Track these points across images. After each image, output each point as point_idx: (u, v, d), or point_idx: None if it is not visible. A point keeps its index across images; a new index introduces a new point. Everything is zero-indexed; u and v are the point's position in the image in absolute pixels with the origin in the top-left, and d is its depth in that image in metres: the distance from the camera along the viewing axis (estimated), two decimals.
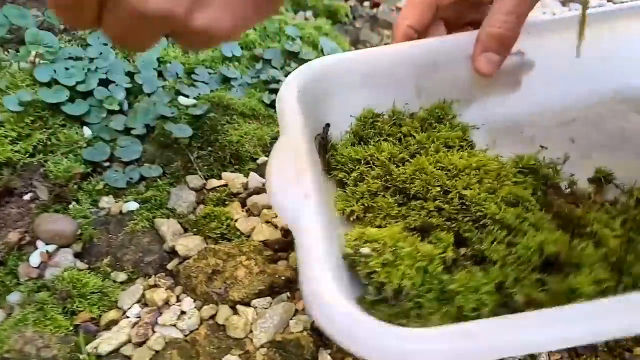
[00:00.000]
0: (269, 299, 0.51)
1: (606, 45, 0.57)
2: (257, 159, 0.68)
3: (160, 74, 0.77)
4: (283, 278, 0.51)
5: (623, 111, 0.57)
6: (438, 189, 0.45)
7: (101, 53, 0.74)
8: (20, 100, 0.64)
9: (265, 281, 0.51)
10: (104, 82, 0.71)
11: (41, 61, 0.69)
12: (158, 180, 0.64)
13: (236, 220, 0.58)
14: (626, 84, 0.57)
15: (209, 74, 0.78)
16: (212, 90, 0.75)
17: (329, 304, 0.30)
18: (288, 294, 0.51)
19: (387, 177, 0.48)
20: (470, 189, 0.45)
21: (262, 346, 0.47)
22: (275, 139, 0.71)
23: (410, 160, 0.49)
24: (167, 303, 0.51)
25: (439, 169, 0.47)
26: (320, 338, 0.47)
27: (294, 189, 0.37)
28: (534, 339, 0.29)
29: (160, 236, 0.57)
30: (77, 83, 0.68)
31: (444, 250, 0.41)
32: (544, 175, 0.47)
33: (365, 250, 0.41)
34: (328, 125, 0.51)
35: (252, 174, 0.65)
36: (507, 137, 0.54)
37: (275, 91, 0.77)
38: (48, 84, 0.68)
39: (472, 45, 0.51)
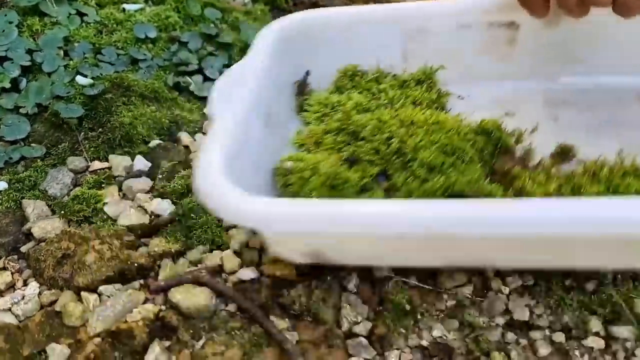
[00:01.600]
0: (118, 285, 0.48)
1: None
2: (149, 142, 0.65)
3: (66, 54, 0.74)
4: (136, 265, 0.49)
5: (627, 100, 0.56)
6: (386, 135, 0.50)
7: (4, 30, 0.71)
8: None
9: (114, 267, 0.48)
10: (2, 59, 0.69)
11: None
12: (39, 161, 0.61)
13: (105, 204, 0.55)
14: None
15: (118, 55, 0.75)
16: (117, 72, 0.73)
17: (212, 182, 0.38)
18: (141, 281, 0.49)
19: (346, 121, 0.54)
20: (412, 137, 0.49)
21: (97, 335, 0.44)
22: (173, 122, 0.68)
23: (374, 111, 0.55)
24: (12, 287, 0.48)
25: (395, 120, 0.51)
26: (158, 329, 0.45)
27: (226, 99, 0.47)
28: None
29: (25, 218, 0.54)
30: None
31: (362, 178, 0.48)
32: (498, 138, 0.51)
33: (288, 164, 0.49)
34: (308, 72, 0.59)
35: (138, 157, 0.62)
36: (487, 109, 0.55)
37: (183, 74, 0.74)
38: None
39: (462, 13, 0.56)
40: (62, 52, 0.74)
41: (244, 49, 0.81)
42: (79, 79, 0.69)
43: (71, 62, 0.73)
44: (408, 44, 0.59)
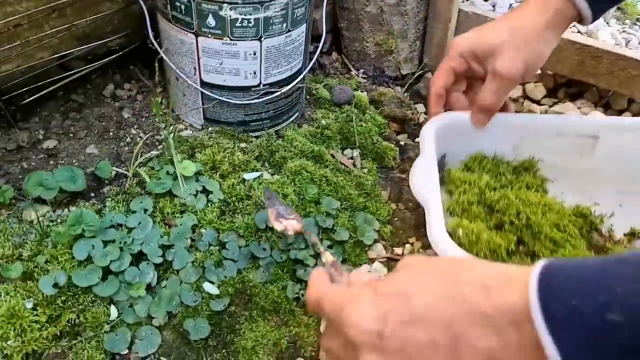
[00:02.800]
0: None
1: None
2: None
3: (193, 243, 0.78)
4: None
5: None
6: (514, 210, 0.70)
7: (140, 223, 0.77)
8: (56, 283, 0.68)
9: None
10: (138, 257, 0.74)
11: (82, 237, 0.72)
12: None
13: None
14: None
15: (239, 248, 0.78)
16: (239, 271, 0.76)
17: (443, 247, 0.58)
18: None
19: (482, 195, 0.74)
20: (534, 214, 0.69)
21: None
22: (292, 342, 0.70)
23: (500, 189, 0.75)
24: None
25: (518, 200, 0.71)
26: None
27: (426, 185, 0.66)
28: None
29: None
30: (111, 262, 0.71)
31: (509, 244, 0.67)
32: (591, 221, 0.73)
33: (460, 231, 0.68)
34: (444, 156, 0.80)
35: None
36: (574, 193, 0.79)
37: (300, 281, 0.76)
38: (84, 263, 0.71)
39: (560, 125, 0.80)
40: (189, 241, 0.78)
41: (357, 244, 0.82)
42: (206, 286, 0.72)
43: (198, 254, 0.77)
44: (518, 141, 0.81)
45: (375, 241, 0.84)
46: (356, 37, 1.17)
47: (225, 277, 0.75)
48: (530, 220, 0.68)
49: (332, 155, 0.99)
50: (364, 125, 1.08)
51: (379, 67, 1.19)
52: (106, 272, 0.71)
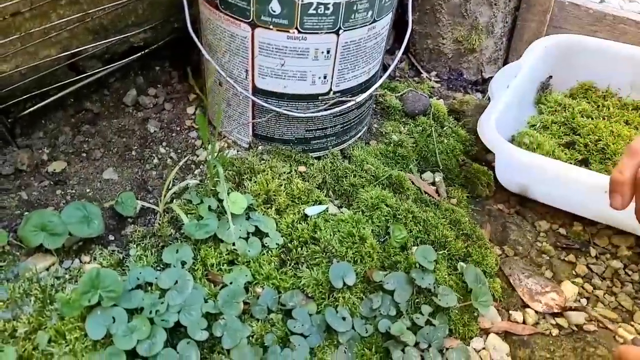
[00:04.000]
0: None
1: None
2: None
3: (246, 308, 0.58)
4: None
5: None
6: (597, 137, 0.81)
7: (176, 281, 0.56)
8: None
9: None
10: (174, 332, 0.54)
11: (98, 305, 0.52)
12: None
13: None
14: None
15: (309, 315, 0.58)
16: (311, 350, 0.55)
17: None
18: None
19: (570, 119, 0.85)
20: (615, 144, 0.79)
21: None
22: None
23: (595, 119, 0.84)
24: None
25: (607, 129, 0.81)
26: None
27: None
28: None
29: None
30: (139, 342, 0.51)
31: (568, 159, 0.80)
32: None
33: (525, 139, 0.81)
34: (550, 77, 0.91)
35: None
36: None
37: None
38: (101, 343, 0.51)
39: None
40: (241, 306, 0.57)
41: (465, 309, 0.61)
42: None
43: (255, 325, 0.56)
44: (636, 77, 0.86)
45: None
46: (430, 32, 0.96)
47: None
48: (609, 148, 0.77)
49: (412, 182, 0.78)
50: (445, 141, 0.86)
51: (456, 68, 0.98)
52: (132, 356, 0.51)
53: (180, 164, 0.71)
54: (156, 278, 0.56)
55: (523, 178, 0.76)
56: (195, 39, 0.65)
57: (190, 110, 0.83)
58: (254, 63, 0.64)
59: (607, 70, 0.90)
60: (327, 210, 0.70)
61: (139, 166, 0.73)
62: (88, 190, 0.68)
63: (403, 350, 0.55)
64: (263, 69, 0.64)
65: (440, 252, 0.66)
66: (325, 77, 0.65)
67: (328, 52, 0.62)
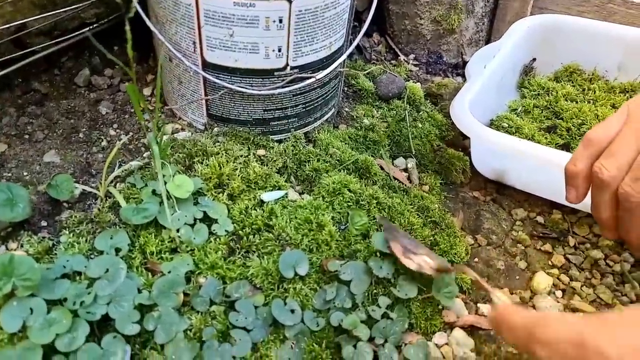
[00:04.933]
0: None
1: None
2: None
3: (187, 300, 0.53)
4: None
5: None
6: (580, 121, 0.75)
7: (107, 270, 0.51)
8: None
9: None
10: (101, 326, 0.49)
11: (13, 296, 0.47)
12: None
13: None
14: None
15: (255, 307, 0.52)
16: (254, 346, 0.50)
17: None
18: None
19: (554, 102, 0.80)
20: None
21: None
22: None
23: (580, 103, 0.79)
24: None
25: (591, 113, 0.76)
26: None
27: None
28: None
29: None
30: (58, 335, 0.46)
31: (548, 144, 0.74)
32: None
33: (504, 123, 0.77)
34: (534, 59, 0.86)
35: None
36: None
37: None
38: (17, 336, 0.46)
39: None
40: (181, 298, 0.52)
41: (427, 302, 0.56)
42: None
43: (194, 318, 0.51)
44: (624, 58, 0.81)
45: None
46: (407, 12, 0.91)
47: (234, 357, 0.49)
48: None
49: (381, 167, 0.73)
50: (420, 126, 0.81)
51: (435, 51, 0.93)
52: (49, 351, 0.46)
53: (121, 143, 0.66)
54: (85, 266, 0.52)
55: (499, 163, 0.71)
56: (139, 10, 0.60)
57: (147, 91, 0.78)
58: (201, 34, 0.58)
59: (594, 52, 0.84)
60: (287, 196, 0.65)
61: (85, 149, 0.68)
62: (25, 174, 0.63)
63: (355, 346, 0.50)
64: (211, 40, 0.59)
65: None
66: (279, 50, 0.60)
67: (280, 21, 0.57)
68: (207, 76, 0.62)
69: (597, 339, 0.30)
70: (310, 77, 0.64)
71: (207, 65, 0.62)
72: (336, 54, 0.67)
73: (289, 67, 0.63)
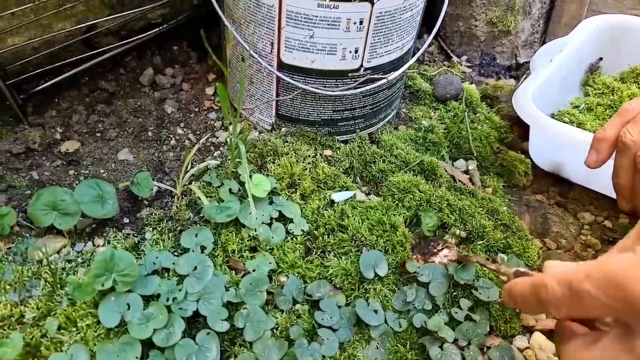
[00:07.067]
0: None
1: None
2: None
3: (270, 299, 0.53)
4: None
5: None
6: None
7: (195, 267, 0.52)
8: None
9: None
10: (191, 321, 0.50)
11: (112, 291, 0.48)
12: None
13: None
14: None
15: (338, 307, 0.53)
16: (341, 346, 0.50)
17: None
18: None
19: (617, 102, 0.80)
20: None
21: None
22: None
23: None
24: None
25: None
26: None
27: None
28: None
29: None
30: (155, 331, 0.47)
31: None
32: None
33: (566, 118, 0.78)
34: (600, 58, 0.85)
35: None
36: None
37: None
38: (114, 331, 0.47)
39: None
40: (264, 296, 0.53)
41: (508, 307, 0.56)
42: None
43: (279, 317, 0.52)
44: None
45: None
46: (462, 13, 0.91)
47: (323, 356, 0.49)
48: None
49: (445, 169, 0.73)
50: (478, 128, 0.81)
51: (488, 52, 0.93)
52: (147, 346, 0.46)
53: (199, 143, 0.67)
54: (173, 263, 0.52)
55: (557, 154, 0.71)
56: (217, 7, 0.61)
57: (209, 91, 0.79)
58: (281, 35, 0.59)
59: None
60: (355, 197, 0.65)
61: (156, 147, 0.69)
62: (102, 171, 0.64)
63: (441, 347, 0.51)
64: (290, 41, 0.59)
65: (479, 243, 0.61)
66: (356, 52, 0.60)
67: (361, 22, 0.57)
68: (282, 77, 0.63)
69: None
70: (383, 79, 0.65)
71: (282, 66, 0.62)
72: (406, 55, 0.67)
73: (362, 69, 0.63)
